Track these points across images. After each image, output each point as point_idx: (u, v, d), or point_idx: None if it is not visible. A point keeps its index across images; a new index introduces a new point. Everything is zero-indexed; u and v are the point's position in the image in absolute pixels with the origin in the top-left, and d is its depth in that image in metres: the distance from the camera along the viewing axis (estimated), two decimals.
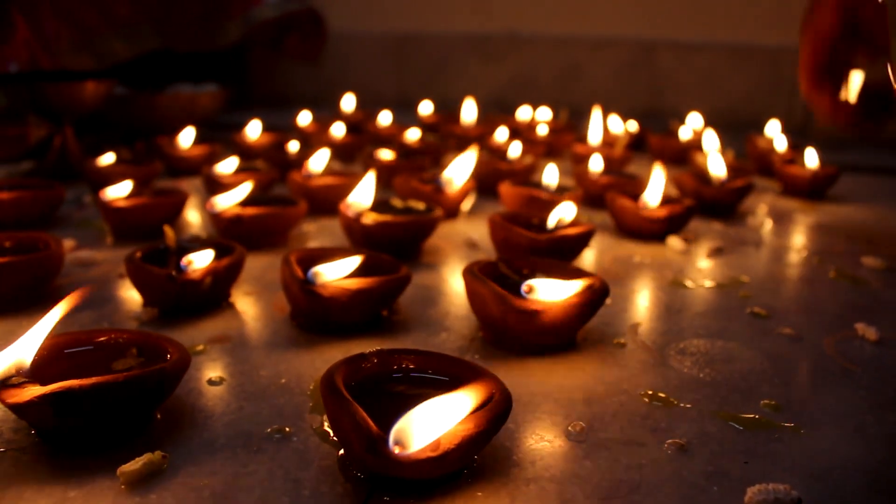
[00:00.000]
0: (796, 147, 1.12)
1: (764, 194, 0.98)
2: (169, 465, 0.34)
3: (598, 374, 0.45)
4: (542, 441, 0.37)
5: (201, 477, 0.33)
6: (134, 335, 0.41)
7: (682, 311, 0.56)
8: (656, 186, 0.74)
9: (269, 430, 0.37)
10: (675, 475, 0.34)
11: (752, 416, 0.40)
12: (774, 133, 1.16)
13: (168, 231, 0.56)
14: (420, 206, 0.68)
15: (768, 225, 0.83)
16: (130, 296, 0.56)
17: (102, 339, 0.41)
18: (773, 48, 1.52)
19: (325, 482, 0.33)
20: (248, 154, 1.11)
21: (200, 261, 0.51)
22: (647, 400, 0.42)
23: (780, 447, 0.37)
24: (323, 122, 1.26)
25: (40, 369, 0.37)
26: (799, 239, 0.78)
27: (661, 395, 0.42)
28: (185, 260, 0.51)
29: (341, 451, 0.35)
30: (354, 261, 0.49)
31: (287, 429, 0.37)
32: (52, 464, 0.34)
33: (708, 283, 0.62)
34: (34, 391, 0.34)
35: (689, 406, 0.41)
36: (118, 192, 0.70)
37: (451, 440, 0.30)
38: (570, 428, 0.38)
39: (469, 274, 0.48)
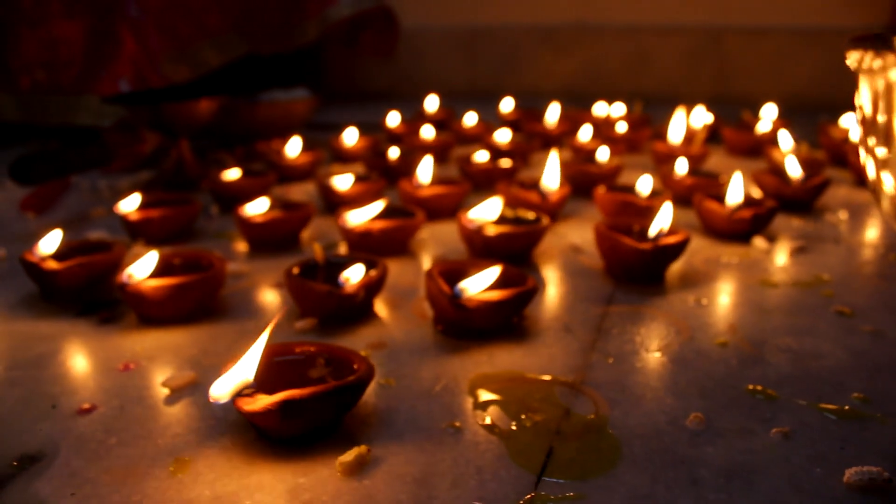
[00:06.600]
0: None
1: (839, 185, 1.03)
2: (371, 457, 0.43)
3: (707, 371, 0.52)
4: (669, 431, 0.45)
5: (400, 466, 0.42)
6: (320, 347, 0.50)
7: (772, 311, 0.63)
8: (739, 189, 0.80)
9: (443, 425, 0.46)
10: (783, 459, 0.42)
11: (844, 407, 0.47)
12: (849, 124, 1.20)
13: (317, 248, 0.65)
14: (529, 214, 0.76)
15: (845, 220, 0.88)
16: (285, 305, 0.65)
17: (298, 350, 0.50)
18: (841, 29, 1.55)
19: (501, 467, 0.41)
20: (345, 158, 1.20)
21: (355, 276, 0.60)
22: (751, 393, 0.49)
23: (871, 435, 0.44)
24: (411, 123, 1.34)
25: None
26: (874, 233, 0.83)
27: (762, 388, 0.50)
28: (342, 277, 0.59)
29: (506, 443, 0.43)
30: (494, 272, 0.57)
31: (457, 423, 0.46)
32: (277, 456, 0.43)
33: (792, 283, 0.68)
34: (264, 400, 0.42)
35: (788, 398, 0.48)
36: (256, 209, 0.80)
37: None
38: (690, 420, 0.46)
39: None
